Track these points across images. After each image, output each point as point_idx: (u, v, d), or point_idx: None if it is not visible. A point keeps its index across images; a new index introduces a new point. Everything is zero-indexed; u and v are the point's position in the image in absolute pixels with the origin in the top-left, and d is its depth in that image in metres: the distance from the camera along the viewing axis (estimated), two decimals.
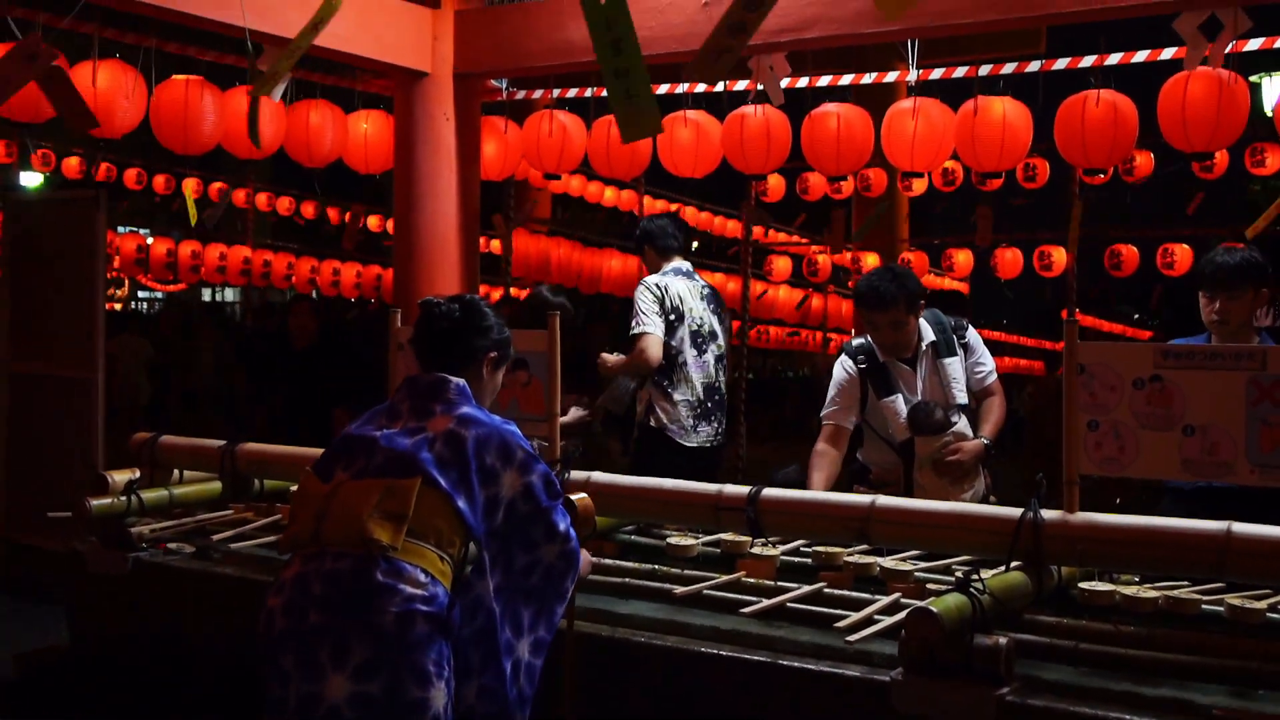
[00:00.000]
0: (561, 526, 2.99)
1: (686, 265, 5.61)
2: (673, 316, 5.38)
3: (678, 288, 5.45)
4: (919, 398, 4.51)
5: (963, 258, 13.82)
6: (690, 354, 5.40)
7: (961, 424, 4.45)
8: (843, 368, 4.62)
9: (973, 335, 4.66)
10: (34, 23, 5.70)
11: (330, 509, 2.78)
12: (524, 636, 2.93)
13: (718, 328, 5.55)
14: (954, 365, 4.54)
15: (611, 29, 4.09)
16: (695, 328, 5.45)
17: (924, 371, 4.55)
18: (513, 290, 9.95)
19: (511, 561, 2.94)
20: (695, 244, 19.31)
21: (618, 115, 4.22)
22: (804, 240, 15.54)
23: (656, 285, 5.40)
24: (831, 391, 4.63)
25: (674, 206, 14.76)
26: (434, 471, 2.80)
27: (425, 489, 2.78)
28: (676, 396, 5.38)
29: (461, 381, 3.02)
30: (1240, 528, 2.88)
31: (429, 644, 2.68)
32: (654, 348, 5.27)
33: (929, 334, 4.56)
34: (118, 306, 18.34)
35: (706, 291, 5.60)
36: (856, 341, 4.67)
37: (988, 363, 4.64)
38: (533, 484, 2.93)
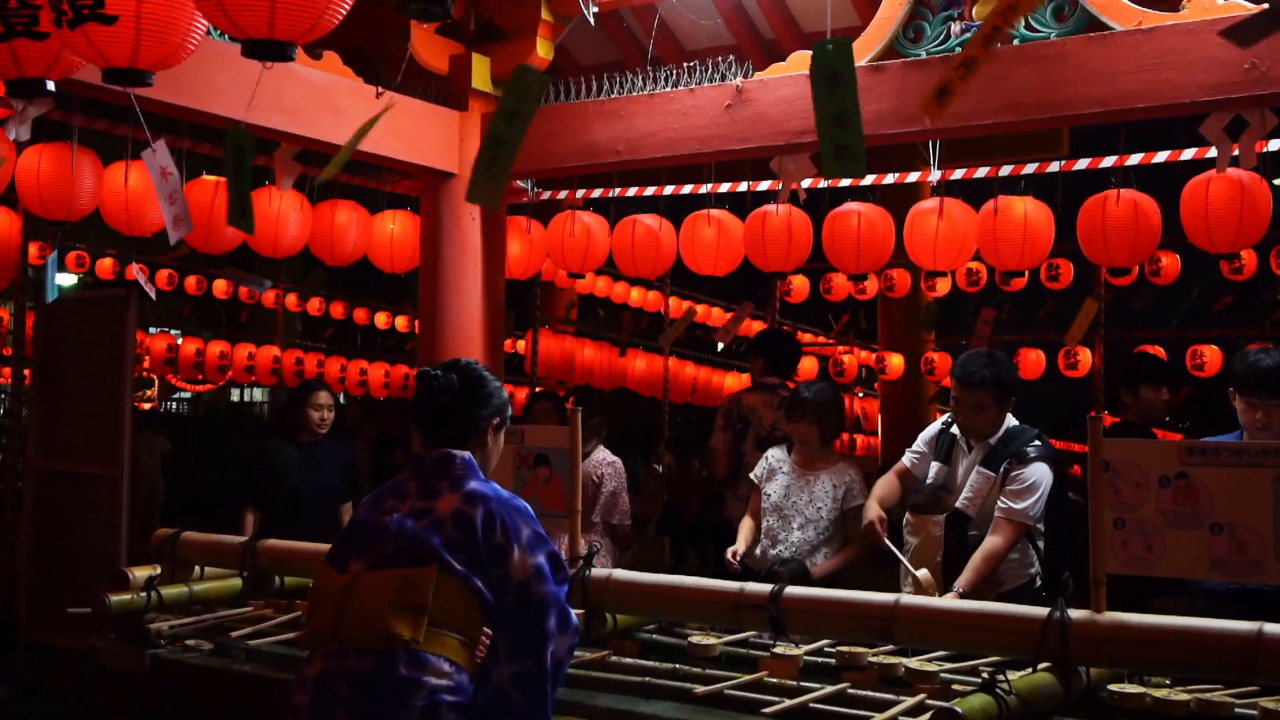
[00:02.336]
0: (574, 617, 2.96)
1: (774, 380, 6.45)
2: (739, 425, 6.28)
3: (751, 401, 6.38)
4: (958, 482, 4.58)
5: None
6: (754, 456, 5.94)
7: (938, 525, 4.51)
8: (933, 425, 4.93)
9: (1027, 473, 4.42)
10: (70, 125, 5.84)
11: (349, 604, 2.76)
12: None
13: None
14: (981, 478, 4.50)
15: (518, 100, 4.57)
16: (764, 434, 6.21)
17: (968, 463, 4.60)
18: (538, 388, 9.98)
19: (524, 653, 2.86)
20: (721, 345, 19.40)
21: (472, 177, 4.67)
22: (829, 341, 15.56)
23: (728, 399, 6.57)
24: (919, 438, 4.93)
25: (700, 307, 14.84)
26: (447, 555, 2.77)
27: (442, 575, 2.75)
28: (739, 493, 6.06)
29: (467, 455, 2.99)
30: (1272, 629, 2.82)
31: None
32: (714, 460, 6.55)
33: (994, 439, 4.54)
34: (146, 406, 18.47)
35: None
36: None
37: (1014, 502, 4.39)
38: (542, 565, 2.87)
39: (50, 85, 3.70)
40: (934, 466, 4.72)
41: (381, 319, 15.40)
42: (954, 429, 4.69)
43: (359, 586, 2.78)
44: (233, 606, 4.48)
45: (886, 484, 4.87)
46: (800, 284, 11.42)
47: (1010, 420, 4.61)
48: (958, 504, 4.51)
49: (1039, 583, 4.57)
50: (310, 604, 2.98)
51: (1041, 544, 4.56)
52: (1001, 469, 4.47)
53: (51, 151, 5.81)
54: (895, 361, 12.21)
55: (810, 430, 5.18)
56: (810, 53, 5.67)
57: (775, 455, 5.33)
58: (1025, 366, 12.87)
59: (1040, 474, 4.44)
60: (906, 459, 4.90)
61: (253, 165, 7.05)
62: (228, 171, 4.64)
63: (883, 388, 13.21)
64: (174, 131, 6.58)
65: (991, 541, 4.37)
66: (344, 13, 3.47)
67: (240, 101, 4.90)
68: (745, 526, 5.29)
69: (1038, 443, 4.52)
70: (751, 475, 5.36)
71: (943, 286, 10.24)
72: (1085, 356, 11.48)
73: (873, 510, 4.73)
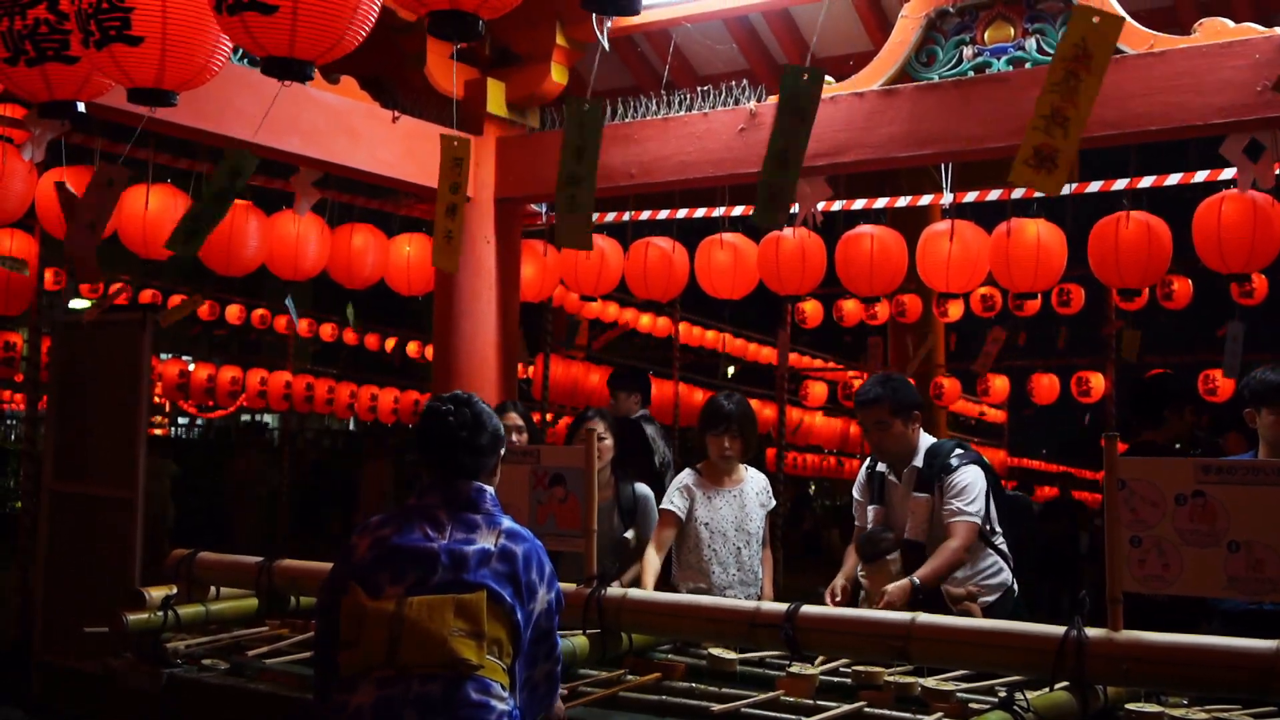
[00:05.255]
0: (560, 646, 3.06)
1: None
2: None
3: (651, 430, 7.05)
4: (898, 518, 4.59)
5: (999, 383, 13.77)
6: None
7: (894, 560, 4.42)
8: (861, 471, 4.90)
9: (958, 477, 4.46)
10: (92, 149, 5.89)
11: (403, 630, 2.74)
12: None
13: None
14: (919, 501, 4.51)
15: (581, 134, 4.25)
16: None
17: (903, 494, 4.62)
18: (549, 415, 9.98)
19: (535, 679, 2.99)
20: (732, 369, 19.41)
21: (557, 220, 4.39)
22: (839, 366, 15.56)
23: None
24: (854, 494, 4.90)
25: (709, 333, 14.87)
26: (495, 586, 2.82)
27: (490, 603, 2.80)
28: None
29: (493, 490, 3.05)
30: None
31: None
32: None
33: (919, 459, 4.58)
34: (157, 432, 18.51)
35: None
36: None
37: (955, 503, 4.43)
38: (552, 601, 2.99)
39: (80, 107, 3.76)
40: (871, 510, 4.70)
41: (392, 344, 15.44)
42: (879, 467, 4.69)
43: (411, 612, 2.77)
44: (248, 626, 4.49)
45: (854, 557, 4.67)
46: (813, 309, 11.43)
47: (926, 439, 4.64)
48: (908, 536, 4.50)
49: (1015, 589, 4.61)
50: (346, 630, 2.86)
51: (1004, 547, 4.60)
52: (936, 487, 4.49)
53: (72, 174, 5.87)
54: None
55: (735, 443, 5.07)
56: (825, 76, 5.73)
57: (688, 479, 5.15)
58: (1038, 391, 12.89)
59: (972, 475, 4.47)
60: (859, 520, 4.78)
61: (271, 189, 7.14)
62: (209, 191, 4.59)
63: None
64: (192, 155, 6.64)
65: (947, 544, 4.38)
66: (364, 34, 3.48)
67: (259, 124, 4.95)
68: (652, 564, 4.98)
69: (960, 450, 4.57)
70: (668, 506, 5.09)
71: (955, 311, 10.24)
72: (1098, 382, 11.48)
73: (837, 581, 4.57)
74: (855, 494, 4.87)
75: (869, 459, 4.85)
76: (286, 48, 3.27)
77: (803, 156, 4.02)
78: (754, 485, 5.18)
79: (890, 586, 4.25)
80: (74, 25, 3.48)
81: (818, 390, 15.04)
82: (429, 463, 3.07)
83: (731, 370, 19.36)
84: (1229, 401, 11.18)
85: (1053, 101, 3.62)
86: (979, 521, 4.44)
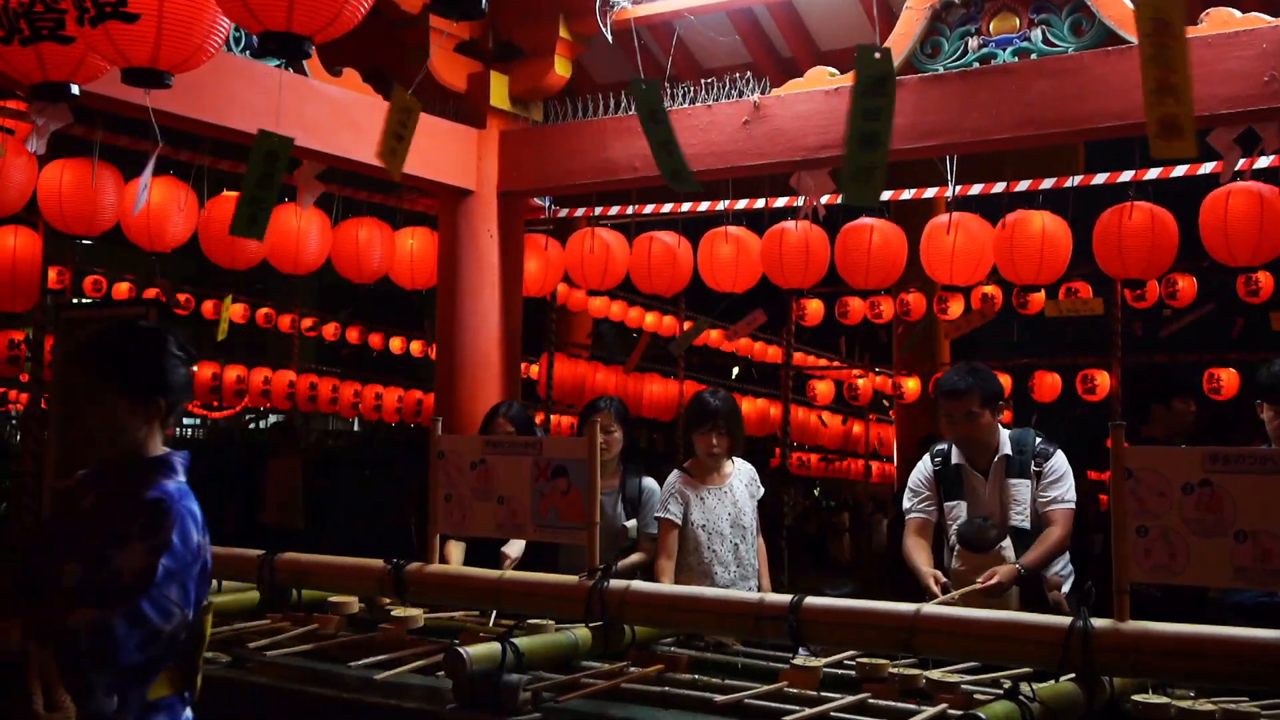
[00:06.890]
0: None
1: None
2: None
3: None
4: (983, 509, 4.50)
5: (1003, 382, 13.71)
6: None
7: (1007, 548, 4.37)
8: (922, 467, 4.75)
9: (1055, 463, 4.51)
10: (92, 140, 5.87)
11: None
12: None
13: None
14: (1020, 487, 4.49)
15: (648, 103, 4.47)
16: None
17: (992, 484, 4.55)
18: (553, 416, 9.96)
19: None
20: (736, 370, 19.37)
21: (664, 172, 4.62)
22: (843, 364, 15.54)
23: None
24: (910, 488, 4.76)
25: (713, 332, 14.81)
26: None
27: None
28: None
29: None
30: None
31: None
32: None
33: (1006, 448, 4.55)
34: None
35: None
36: (939, 445, 4.73)
37: (1055, 491, 4.48)
38: None
39: (75, 89, 3.71)
40: (954, 505, 4.61)
41: (396, 344, 15.40)
42: (954, 460, 4.64)
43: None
44: (250, 619, 4.47)
45: (921, 549, 4.59)
46: (815, 307, 11.39)
47: (1003, 429, 4.64)
48: (1014, 523, 4.47)
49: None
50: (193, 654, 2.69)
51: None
52: (1033, 470, 4.50)
53: (73, 167, 5.85)
54: (911, 385, 12.18)
55: (723, 440, 5.04)
56: (828, 69, 5.72)
57: (678, 484, 5.08)
58: (1041, 390, 12.81)
59: (1066, 462, 4.53)
60: (919, 513, 4.69)
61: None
62: (250, 178, 4.54)
63: (898, 412, 13.18)
64: (195, 148, 6.61)
65: (1051, 531, 4.41)
66: (364, 11, 3.42)
67: (261, 116, 4.93)
68: (667, 571, 4.97)
69: (1040, 437, 4.61)
70: (665, 515, 5.03)
71: (955, 309, 10.20)
72: (1103, 380, 11.43)
73: (930, 573, 4.44)
74: (919, 488, 4.73)
75: (934, 454, 4.73)
76: (284, 21, 3.20)
77: (890, 132, 4.16)
78: (742, 478, 5.16)
79: (1000, 568, 4.25)
80: (70, 4, 3.44)
81: (823, 389, 15.00)
82: (158, 416, 2.73)
83: (736, 371, 19.32)
84: (1233, 399, 11.15)
85: (1155, 75, 3.76)
86: (1073, 509, 4.49)
